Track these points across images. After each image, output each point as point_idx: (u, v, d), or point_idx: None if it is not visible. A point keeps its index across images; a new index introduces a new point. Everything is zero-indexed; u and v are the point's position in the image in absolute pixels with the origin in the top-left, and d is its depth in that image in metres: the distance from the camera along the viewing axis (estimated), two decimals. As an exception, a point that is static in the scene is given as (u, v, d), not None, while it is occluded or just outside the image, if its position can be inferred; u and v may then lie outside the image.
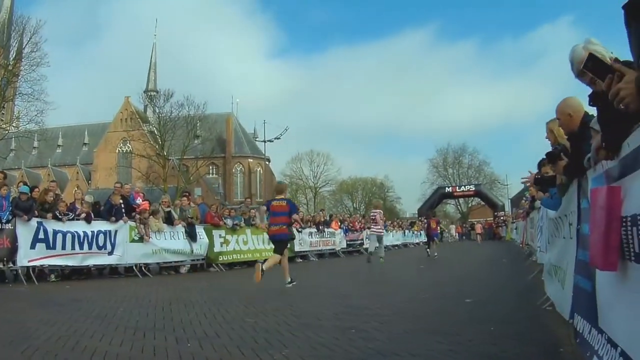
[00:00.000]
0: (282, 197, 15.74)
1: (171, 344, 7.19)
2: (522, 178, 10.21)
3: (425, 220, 48.76)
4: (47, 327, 8.52)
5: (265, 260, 14.90)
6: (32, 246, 16.41)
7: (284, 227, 15.08)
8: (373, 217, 27.14)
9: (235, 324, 8.65)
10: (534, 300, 10.08)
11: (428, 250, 33.23)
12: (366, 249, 36.23)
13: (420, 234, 58.29)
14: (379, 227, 26.61)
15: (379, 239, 26.37)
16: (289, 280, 15.06)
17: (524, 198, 30.10)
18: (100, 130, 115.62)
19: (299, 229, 29.12)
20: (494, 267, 21.48)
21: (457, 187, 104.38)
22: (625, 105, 3.03)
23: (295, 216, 15.36)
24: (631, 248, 3.13)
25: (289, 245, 16.72)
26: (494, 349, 6.23)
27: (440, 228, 51.13)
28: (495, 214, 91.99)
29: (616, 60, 3.52)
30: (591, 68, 3.50)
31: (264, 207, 18.02)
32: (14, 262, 16.07)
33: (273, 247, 15.24)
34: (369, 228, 30.70)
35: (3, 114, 70.79)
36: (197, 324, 8.86)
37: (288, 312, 9.88)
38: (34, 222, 16.54)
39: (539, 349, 6.20)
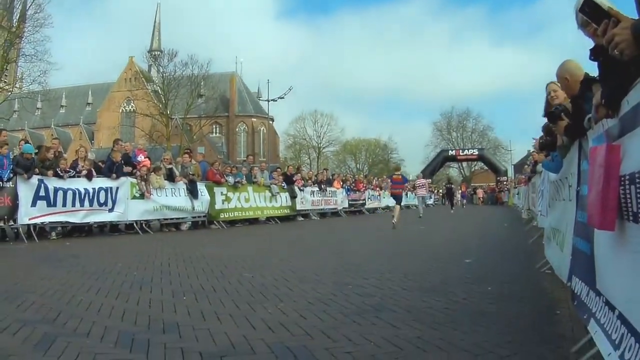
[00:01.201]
0: (399, 173, 26.26)
1: (167, 297, 7.27)
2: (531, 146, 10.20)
3: (448, 186, 54.75)
4: (44, 282, 8.61)
5: (393, 216, 22.30)
6: (33, 204, 16.39)
7: (400, 190, 25.41)
8: (422, 184, 34.58)
9: (233, 279, 8.75)
10: (533, 264, 10.13)
11: (453, 209, 41.39)
12: (368, 209, 36.73)
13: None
14: (424, 191, 34.34)
15: (424, 200, 34.25)
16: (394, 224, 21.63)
17: (527, 163, 30.06)
18: (104, 91, 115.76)
19: (301, 188, 29.24)
20: (495, 230, 21.49)
21: (461, 151, 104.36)
22: (620, 51, 3.02)
23: (406, 184, 23.63)
24: (629, 207, 3.10)
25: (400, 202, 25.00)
26: (489, 308, 6.28)
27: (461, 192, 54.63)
28: (498, 179, 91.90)
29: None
30: (588, 13, 3.48)
31: (389, 179, 30.37)
32: (15, 221, 16.07)
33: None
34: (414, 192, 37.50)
35: (6, 75, 70.29)
36: (195, 278, 8.95)
37: (286, 268, 9.96)
38: (35, 179, 16.47)
39: (535, 310, 6.21)
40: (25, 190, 16.21)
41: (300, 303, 6.72)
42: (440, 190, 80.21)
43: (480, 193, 78.64)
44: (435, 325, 5.46)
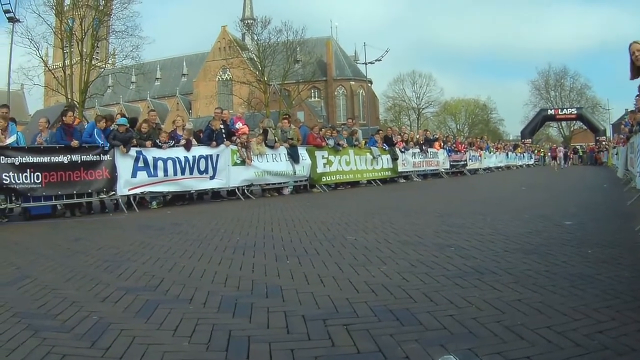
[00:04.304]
0: None
1: (270, 261, 7.29)
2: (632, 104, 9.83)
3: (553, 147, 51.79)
4: (146, 250, 8.77)
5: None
6: (133, 175, 16.79)
7: None
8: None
9: (336, 242, 8.71)
10: (632, 226, 9.74)
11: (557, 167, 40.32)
12: (469, 170, 36.57)
13: (524, 155, 60.18)
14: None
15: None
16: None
17: (623, 123, 29.19)
18: (198, 61, 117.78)
19: (402, 150, 29.05)
20: (594, 191, 20.82)
21: (560, 110, 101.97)
22: None
23: None
24: None
25: None
26: (588, 271, 6.03)
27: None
28: (597, 138, 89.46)
29: None
30: None
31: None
32: (115, 192, 16.46)
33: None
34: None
35: (98, 52, 71.84)
36: (297, 242, 8.95)
37: (389, 230, 9.87)
38: (133, 151, 16.83)
39: (634, 274, 5.93)
40: (124, 162, 16.60)
41: (403, 265, 6.64)
42: (542, 151, 79.13)
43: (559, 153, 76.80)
44: (535, 288, 5.33)
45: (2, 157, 14.40)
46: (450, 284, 5.61)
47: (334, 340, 4.09)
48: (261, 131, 21.82)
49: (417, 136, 34.81)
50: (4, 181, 14.31)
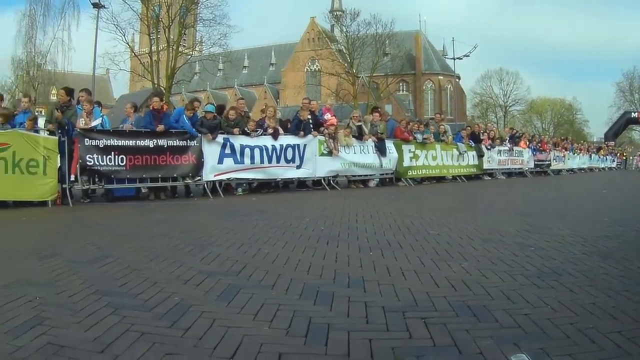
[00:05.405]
0: None
1: (354, 252, 7.29)
2: None
3: None
4: (230, 235, 8.88)
5: None
6: (220, 161, 17.01)
7: None
8: None
9: (419, 236, 8.68)
10: None
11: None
12: (553, 170, 35.94)
13: (606, 158, 58.41)
14: None
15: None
16: None
17: None
18: (286, 51, 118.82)
19: (488, 147, 28.79)
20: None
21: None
22: None
23: None
24: None
25: None
26: (663, 280, 5.89)
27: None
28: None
29: None
30: None
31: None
32: (200, 177, 16.73)
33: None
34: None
35: (185, 39, 73.05)
36: (381, 234, 8.93)
37: (471, 227, 9.80)
38: (220, 138, 17.05)
39: None
40: (210, 148, 16.83)
41: (483, 262, 6.61)
42: (624, 154, 77.58)
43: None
44: (609, 293, 5.23)
45: (86, 139, 14.86)
46: (528, 284, 5.59)
47: (412, 332, 4.13)
48: (349, 123, 21.76)
49: (503, 134, 34.44)
50: (88, 163, 14.78)
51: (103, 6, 53.42)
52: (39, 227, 11.14)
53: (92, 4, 50.78)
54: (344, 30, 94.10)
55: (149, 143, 15.78)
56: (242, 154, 17.45)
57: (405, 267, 6.32)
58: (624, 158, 75.37)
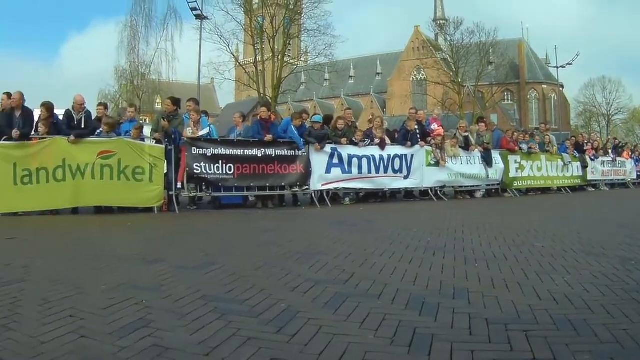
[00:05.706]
0: None
1: (459, 264, 7.28)
2: None
3: None
4: (337, 244, 8.97)
5: None
6: (327, 171, 17.21)
7: None
8: None
9: (524, 248, 8.59)
10: None
11: None
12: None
13: None
14: None
15: None
16: None
17: None
18: (391, 60, 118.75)
19: (592, 157, 28.25)
20: None
21: None
22: None
23: None
24: None
25: None
26: None
27: None
28: None
29: None
30: None
31: None
32: (308, 187, 16.91)
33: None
34: None
35: (290, 50, 73.74)
36: (487, 246, 8.88)
37: (575, 239, 9.60)
38: (328, 148, 17.25)
39: None
40: (318, 158, 17.05)
41: (585, 276, 6.47)
42: None
43: None
44: None
45: (193, 148, 15.38)
46: (628, 298, 5.45)
47: (513, 345, 4.11)
48: (456, 133, 21.69)
49: (607, 144, 33.69)
50: (195, 171, 15.27)
51: (206, 17, 54.32)
52: (144, 233, 11.54)
53: (195, 15, 51.62)
54: (448, 39, 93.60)
55: (257, 152, 16.13)
56: (349, 163, 17.60)
57: (509, 279, 6.29)
58: None
